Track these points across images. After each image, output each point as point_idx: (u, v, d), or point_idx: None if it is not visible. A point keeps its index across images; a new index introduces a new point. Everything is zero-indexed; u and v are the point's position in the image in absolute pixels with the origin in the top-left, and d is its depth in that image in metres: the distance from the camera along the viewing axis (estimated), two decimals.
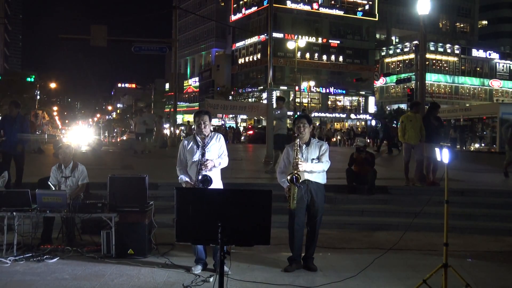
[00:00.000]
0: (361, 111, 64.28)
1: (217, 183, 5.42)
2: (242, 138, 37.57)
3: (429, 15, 11.97)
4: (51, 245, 6.19)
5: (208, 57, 75.65)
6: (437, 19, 67.76)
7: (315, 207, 5.45)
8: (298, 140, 5.41)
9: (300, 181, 5.26)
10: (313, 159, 5.43)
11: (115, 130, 66.66)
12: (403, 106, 52.39)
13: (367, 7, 64.23)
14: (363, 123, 60.44)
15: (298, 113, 34.86)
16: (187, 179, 5.37)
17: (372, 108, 64.26)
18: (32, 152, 16.40)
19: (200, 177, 5.21)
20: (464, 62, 67.07)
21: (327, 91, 62.14)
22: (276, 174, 5.77)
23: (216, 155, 5.40)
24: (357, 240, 7.39)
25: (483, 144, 28.06)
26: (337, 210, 8.56)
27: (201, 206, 3.49)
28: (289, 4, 58.63)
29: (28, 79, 52.42)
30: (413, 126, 9.76)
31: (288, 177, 5.27)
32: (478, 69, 68.09)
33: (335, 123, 61.30)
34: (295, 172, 5.23)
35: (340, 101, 64.58)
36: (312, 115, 51.34)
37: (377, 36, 69.01)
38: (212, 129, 5.59)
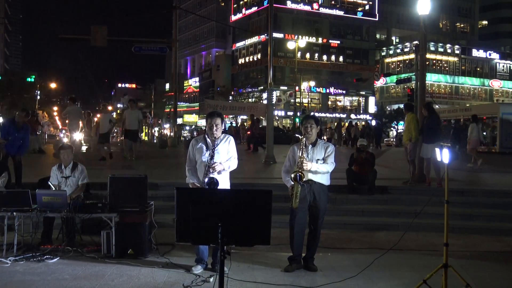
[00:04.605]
0: (361, 111, 64.27)
1: (225, 185, 5.42)
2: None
3: (430, 15, 11.94)
4: (51, 245, 6.19)
5: (208, 57, 75.68)
6: (438, 19, 67.73)
7: (317, 208, 5.45)
8: (304, 139, 5.41)
9: (304, 180, 5.26)
10: (318, 159, 5.43)
11: (115, 130, 66.60)
12: (403, 106, 52.34)
13: (367, 7, 64.23)
14: (363, 123, 60.45)
15: (299, 113, 34.84)
16: (194, 181, 5.37)
17: (372, 108, 64.25)
18: (32, 152, 16.38)
19: (206, 180, 5.20)
20: (464, 62, 67.06)
21: (327, 91, 62.15)
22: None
23: (225, 158, 5.39)
24: (357, 240, 7.39)
25: (483, 146, 27.99)
26: (337, 210, 8.55)
27: (201, 206, 3.49)
28: (289, 4, 58.63)
29: (28, 79, 52.43)
30: (405, 127, 10.47)
31: (292, 175, 5.27)
32: (478, 69, 68.09)
33: (335, 123, 61.25)
34: (299, 170, 5.24)
35: (340, 101, 64.57)
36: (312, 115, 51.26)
37: (377, 36, 69.00)
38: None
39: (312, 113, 32.52)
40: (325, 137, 32.49)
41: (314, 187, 5.42)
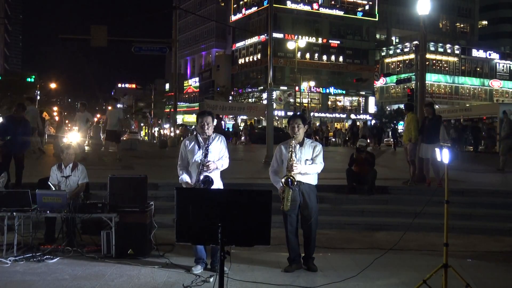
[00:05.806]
0: (361, 111, 64.31)
1: (217, 184, 5.43)
2: (242, 138, 37.57)
3: (429, 15, 11.95)
4: (51, 245, 6.19)
5: (208, 57, 75.70)
6: (437, 19, 67.82)
7: (308, 208, 5.41)
8: (293, 140, 5.37)
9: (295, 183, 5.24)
10: (307, 159, 5.38)
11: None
12: (403, 106, 52.32)
13: (367, 7, 64.29)
14: (363, 123, 60.45)
15: (298, 113, 34.80)
16: (187, 180, 5.36)
17: (372, 108, 64.30)
18: (32, 152, 16.36)
19: (201, 178, 5.21)
20: (464, 62, 67.14)
21: (327, 91, 62.19)
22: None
23: (217, 156, 5.39)
24: (357, 240, 7.39)
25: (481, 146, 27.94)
26: (337, 210, 8.56)
27: (201, 206, 3.49)
28: (289, 4, 58.68)
29: (28, 79, 52.29)
30: (404, 127, 10.56)
31: (283, 180, 5.23)
32: (478, 69, 68.17)
33: (335, 123, 61.30)
34: (290, 174, 5.19)
35: (340, 101, 64.63)
36: (312, 115, 51.32)
37: (377, 36, 69.08)
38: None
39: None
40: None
41: (303, 187, 5.38)
